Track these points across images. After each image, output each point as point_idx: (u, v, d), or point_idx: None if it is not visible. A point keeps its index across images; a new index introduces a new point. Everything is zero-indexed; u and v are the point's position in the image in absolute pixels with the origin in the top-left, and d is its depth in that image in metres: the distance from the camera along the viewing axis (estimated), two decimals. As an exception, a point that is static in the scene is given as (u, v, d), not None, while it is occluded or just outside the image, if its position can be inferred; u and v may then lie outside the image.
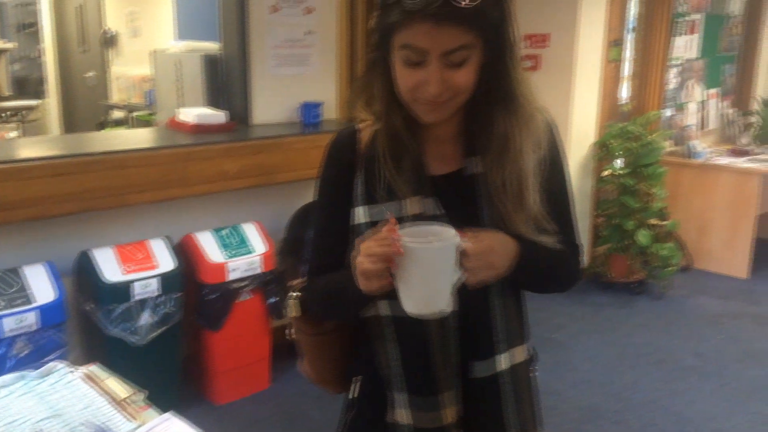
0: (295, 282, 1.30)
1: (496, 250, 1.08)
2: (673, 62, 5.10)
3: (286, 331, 1.38)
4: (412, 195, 1.13)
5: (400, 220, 1.10)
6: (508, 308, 1.20)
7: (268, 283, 3.13)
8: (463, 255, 1.02)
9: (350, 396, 1.31)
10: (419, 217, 1.12)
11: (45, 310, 2.52)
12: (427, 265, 1.01)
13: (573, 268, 1.25)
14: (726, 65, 5.79)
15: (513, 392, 1.21)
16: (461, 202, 1.15)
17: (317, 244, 1.25)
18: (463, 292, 1.08)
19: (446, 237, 1.02)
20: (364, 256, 1.03)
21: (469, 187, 1.15)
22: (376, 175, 1.16)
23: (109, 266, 2.75)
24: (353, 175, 1.19)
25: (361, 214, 1.17)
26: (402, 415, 1.20)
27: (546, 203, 1.16)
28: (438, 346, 1.16)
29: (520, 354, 1.23)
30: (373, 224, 1.13)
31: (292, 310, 1.29)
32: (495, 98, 1.11)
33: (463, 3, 0.98)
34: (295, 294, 1.29)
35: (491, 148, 1.13)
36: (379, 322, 1.20)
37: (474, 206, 1.14)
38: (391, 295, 1.05)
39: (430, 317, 1.07)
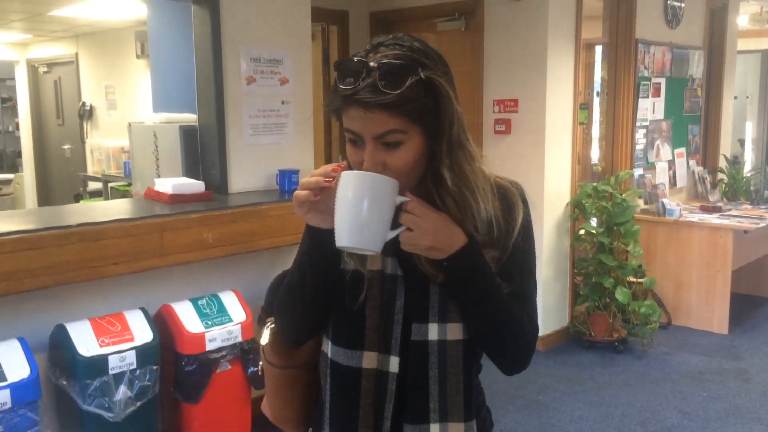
0: (268, 315, 1.35)
1: (438, 220, 1.09)
2: (641, 123, 5.25)
3: (252, 370, 1.40)
4: (373, 262, 1.18)
5: (359, 274, 1.16)
6: (448, 381, 1.18)
7: (248, 352, 3.08)
8: (402, 209, 1.07)
9: None
10: (379, 275, 1.17)
11: (17, 388, 2.44)
12: (359, 193, 1.05)
13: (526, 339, 1.20)
14: (691, 125, 5.97)
15: None
16: (418, 275, 1.16)
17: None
18: (404, 357, 1.15)
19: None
20: (300, 185, 1.10)
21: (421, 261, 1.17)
22: None
23: (85, 340, 2.69)
24: None
25: None
26: None
27: (511, 278, 1.17)
28: (368, 403, 1.18)
29: (456, 431, 1.20)
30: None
31: (265, 337, 1.33)
32: (434, 181, 1.14)
33: (386, 90, 1.04)
34: (269, 324, 1.34)
35: None
36: (324, 358, 1.25)
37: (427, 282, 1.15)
38: (336, 339, 1.16)
39: (359, 252, 1.10)
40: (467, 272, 1.12)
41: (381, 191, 1.06)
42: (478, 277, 1.13)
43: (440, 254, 1.10)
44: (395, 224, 1.08)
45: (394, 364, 1.18)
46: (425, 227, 1.07)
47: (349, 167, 1.15)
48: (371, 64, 1.05)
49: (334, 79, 1.09)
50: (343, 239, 1.07)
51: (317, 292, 1.18)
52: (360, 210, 1.06)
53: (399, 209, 1.08)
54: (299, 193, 1.09)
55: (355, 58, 1.07)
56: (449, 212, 1.12)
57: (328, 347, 1.23)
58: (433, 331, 1.17)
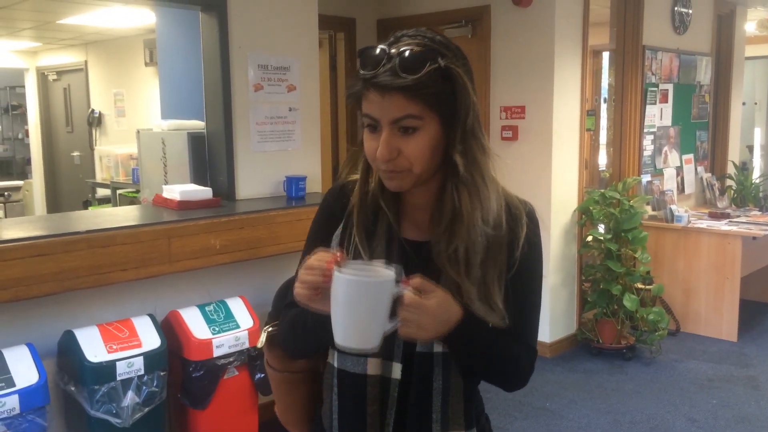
0: (273, 321, 1.36)
1: (434, 310, 1.06)
2: (648, 130, 5.24)
3: (259, 376, 1.42)
4: (378, 258, 1.16)
5: None
6: (451, 392, 1.18)
7: (255, 358, 3.08)
8: (399, 302, 1.04)
9: None
10: None
11: (26, 394, 2.45)
12: (354, 299, 1.02)
13: (522, 369, 1.22)
14: (699, 131, 5.95)
15: None
16: (424, 272, 1.15)
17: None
18: (407, 366, 1.16)
19: (381, 276, 1.03)
20: (299, 280, 1.09)
21: (431, 256, 1.17)
22: (348, 235, 1.22)
23: (93, 346, 2.70)
24: (336, 227, 1.26)
25: None
26: None
27: (512, 298, 1.17)
28: (374, 409, 1.18)
29: None
30: None
31: (262, 341, 1.35)
32: (449, 171, 1.14)
33: (404, 75, 1.06)
34: (267, 327, 1.35)
35: (442, 220, 1.16)
36: (330, 370, 1.24)
37: (435, 277, 1.15)
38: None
39: (356, 353, 1.08)
40: (463, 343, 1.13)
41: (374, 296, 1.02)
42: (474, 341, 1.14)
43: (439, 336, 1.10)
44: (395, 309, 1.05)
45: (396, 370, 1.18)
46: (423, 322, 1.05)
47: (345, 252, 1.15)
48: (392, 51, 1.09)
49: (357, 66, 1.12)
50: (339, 339, 1.05)
51: (319, 341, 1.19)
52: (353, 315, 1.03)
53: (397, 300, 1.04)
54: (299, 292, 1.08)
55: (378, 47, 1.11)
56: (462, 203, 1.12)
57: (334, 358, 1.23)
58: (438, 343, 1.17)
